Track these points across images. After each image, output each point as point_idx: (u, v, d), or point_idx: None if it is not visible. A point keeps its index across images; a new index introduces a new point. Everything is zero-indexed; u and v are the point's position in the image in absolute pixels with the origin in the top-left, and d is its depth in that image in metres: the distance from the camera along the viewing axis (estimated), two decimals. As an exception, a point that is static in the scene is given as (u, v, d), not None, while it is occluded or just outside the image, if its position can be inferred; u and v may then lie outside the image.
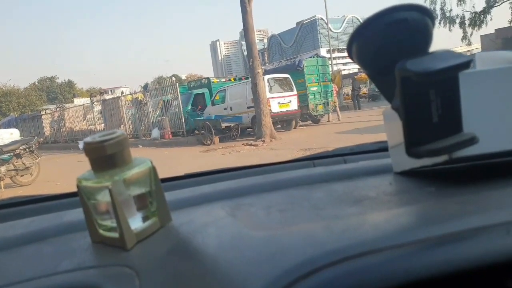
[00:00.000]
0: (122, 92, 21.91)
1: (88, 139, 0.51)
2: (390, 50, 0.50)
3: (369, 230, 0.39)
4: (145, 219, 0.53)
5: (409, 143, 0.50)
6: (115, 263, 0.44)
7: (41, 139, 19.34)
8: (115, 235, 0.49)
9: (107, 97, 20.40)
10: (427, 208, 0.45)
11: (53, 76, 66.33)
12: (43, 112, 24.27)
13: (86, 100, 24.70)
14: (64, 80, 65.84)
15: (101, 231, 0.51)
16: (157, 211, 0.54)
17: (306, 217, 0.48)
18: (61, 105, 25.44)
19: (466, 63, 0.45)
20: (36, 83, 63.15)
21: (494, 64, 0.60)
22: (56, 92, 62.34)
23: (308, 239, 0.38)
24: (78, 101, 31.41)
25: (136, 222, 0.52)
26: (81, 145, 15.95)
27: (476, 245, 0.34)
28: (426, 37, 0.50)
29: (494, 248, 0.34)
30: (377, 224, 0.41)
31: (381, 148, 0.84)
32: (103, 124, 18.24)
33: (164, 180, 0.84)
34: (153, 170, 0.53)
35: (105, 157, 0.49)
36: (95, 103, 19.16)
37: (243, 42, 12.78)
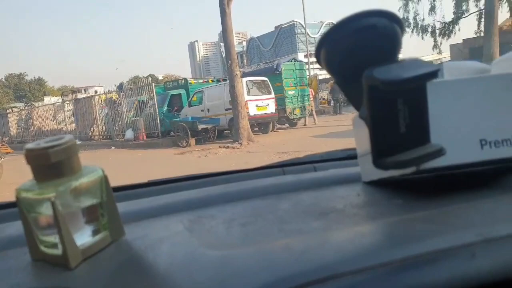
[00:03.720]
0: (96, 92, 21.46)
1: (31, 145, 0.46)
2: (357, 57, 0.48)
3: (330, 251, 0.36)
4: (95, 232, 0.49)
5: (376, 154, 0.48)
6: (55, 284, 0.40)
7: (6, 139, 18.63)
8: (58, 252, 0.44)
9: (80, 96, 19.85)
10: (393, 227, 0.43)
11: (22, 73, 63.89)
12: (9, 111, 23.41)
13: (57, 99, 23.99)
14: (34, 78, 63.58)
15: (42, 248, 0.46)
16: (108, 224, 0.49)
17: (268, 233, 0.45)
18: (29, 104, 24.65)
19: (434, 72, 0.44)
20: (3, 80, 60.71)
21: (461, 74, 0.60)
22: (25, 89, 60.04)
23: (264, 261, 0.35)
24: (48, 99, 30.55)
25: (84, 237, 0.47)
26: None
27: (440, 270, 0.32)
28: (395, 44, 0.49)
29: (458, 273, 0.32)
30: (339, 244, 0.39)
31: (351, 156, 0.83)
32: (74, 124, 17.75)
33: (125, 188, 0.80)
34: (104, 180, 0.49)
35: (50, 165, 0.45)
36: (67, 102, 18.62)
37: (222, 44, 12.79)
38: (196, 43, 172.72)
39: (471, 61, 0.63)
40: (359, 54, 0.48)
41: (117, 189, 0.80)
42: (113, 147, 13.54)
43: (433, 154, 0.46)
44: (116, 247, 0.47)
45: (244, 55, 43.77)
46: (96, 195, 0.48)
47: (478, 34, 17.96)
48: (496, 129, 0.52)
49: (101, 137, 16.14)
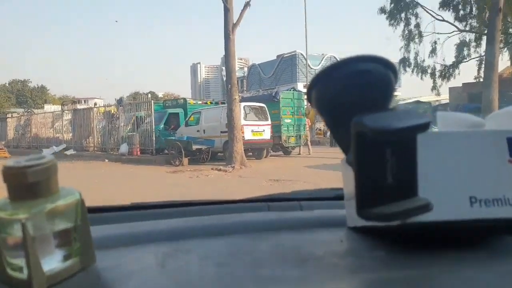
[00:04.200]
0: (95, 104, 21.49)
1: (11, 162, 0.45)
2: (348, 101, 0.47)
3: None
4: (65, 258, 0.47)
5: (360, 204, 0.46)
6: None
7: (3, 142, 18.48)
8: (23, 276, 0.42)
9: (79, 106, 19.88)
10: (369, 286, 0.42)
11: (26, 79, 64.12)
12: (9, 115, 23.34)
13: (57, 107, 23.96)
14: (37, 85, 63.74)
15: (9, 270, 0.44)
16: (80, 250, 0.48)
17: (241, 279, 0.43)
18: (29, 110, 24.64)
19: (425, 125, 0.43)
20: (7, 85, 60.80)
21: (455, 125, 0.59)
22: (27, 96, 60.06)
23: None
24: (49, 107, 30.52)
25: (52, 262, 0.45)
26: (44, 153, 15.37)
27: None
28: (387, 91, 0.48)
29: None
30: None
31: (339, 196, 0.82)
32: (71, 134, 17.68)
33: (107, 209, 0.78)
34: (80, 203, 0.47)
35: (26, 185, 0.43)
36: (66, 111, 18.61)
37: (224, 68, 12.97)
38: (198, 65, 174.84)
39: (466, 114, 0.62)
40: (350, 98, 0.47)
41: (99, 210, 0.78)
42: (106, 160, 13.44)
43: (419, 209, 0.45)
44: (84, 276, 0.45)
45: (245, 80, 44.29)
46: (70, 219, 0.47)
47: (478, 80, 18.33)
48: (488, 187, 0.50)
49: (95, 149, 16.06)
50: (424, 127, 0.43)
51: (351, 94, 0.47)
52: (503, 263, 0.47)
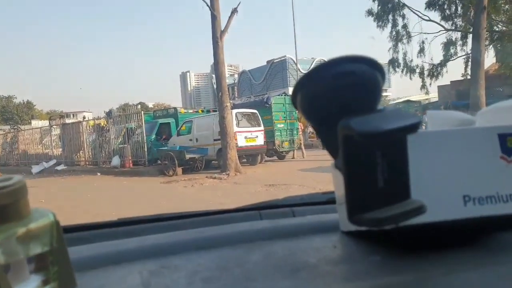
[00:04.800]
0: (84, 117, 21.39)
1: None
2: (334, 104, 0.45)
3: None
4: (43, 283, 0.44)
5: (351, 209, 0.44)
6: None
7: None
8: (-6, 307, 0.39)
9: (68, 121, 19.72)
10: None
11: (11, 95, 63.32)
12: (-6, 133, 23.10)
13: (45, 123, 23.74)
14: (23, 101, 63.11)
15: (-21, 301, 0.41)
16: (57, 275, 0.45)
17: None
18: (16, 126, 24.38)
19: (415, 125, 0.41)
20: (-10, 102, 60.16)
21: (445, 124, 0.57)
22: (13, 112, 59.40)
23: None
24: (36, 123, 30.26)
25: (28, 288, 0.42)
26: (34, 169, 15.07)
27: None
28: (375, 92, 0.46)
29: None
30: None
31: (331, 200, 0.80)
32: (60, 149, 17.51)
33: (92, 227, 0.75)
34: (55, 225, 0.44)
35: (-6, 209, 0.40)
36: (54, 126, 18.44)
37: (214, 75, 13.01)
38: (188, 73, 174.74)
39: (455, 111, 0.61)
40: (336, 101, 0.45)
41: (84, 228, 0.75)
42: (98, 174, 13.33)
43: (413, 212, 0.43)
44: (63, 303, 0.43)
45: (235, 87, 44.38)
46: (45, 242, 0.44)
47: (465, 77, 18.56)
48: (481, 185, 0.49)
49: (87, 162, 15.93)
50: (414, 127, 0.41)
51: (337, 96, 0.45)
52: (501, 262, 0.45)
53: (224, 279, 0.45)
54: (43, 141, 18.92)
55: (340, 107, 0.45)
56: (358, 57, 0.47)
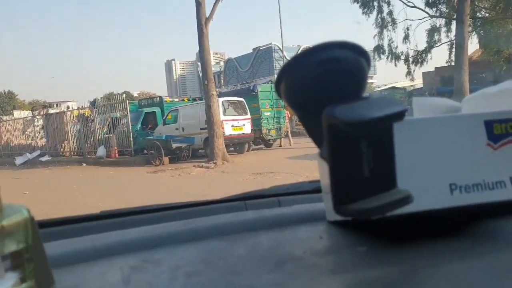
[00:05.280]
0: (68, 107, 20.99)
1: None
2: (318, 92, 0.44)
3: None
4: (19, 281, 0.43)
5: (337, 200, 0.44)
6: None
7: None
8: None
9: (51, 111, 19.32)
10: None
11: (-9, 85, 61.62)
12: (-26, 124, 22.50)
13: (27, 113, 23.21)
14: (4, 91, 61.42)
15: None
16: (34, 272, 0.43)
17: None
18: (-3, 117, 23.79)
19: (401, 113, 0.40)
20: (-31, 93, 58.47)
21: (431, 111, 0.57)
22: (-7, 103, 57.97)
23: None
24: (18, 113, 29.59)
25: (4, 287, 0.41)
26: (18, 161, 14.81)
27: None
28: (360, 79, 0.45)
29: None
30: None
31: (318, 189, 0.79)
32: (44, 140, 17.18)
33: (74, 220, 0.73)
34: (30, 221, 0.42)
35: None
36: (37, 117, 18.06)
37: (199, 63, 12.87)
38: (173, 62, 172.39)
39: (442, 98, 0.60)
40: (320, 88, 0.44)
41: (65, 222, 0.73)
42: (84, 164, 13.16)
43: (399, 201, 0.42)
44: (40, 301, 0.41)
45: (222, 75, 44.02)
46: (20, 239, 0.42)
47: (449, 63, 18.71)
48: (467, 173, 0.49)
49: (72, 153, 15.69)
50: (400, 115, 0.40)
51: (321, 83, 0.44)
52: (488, 251, 0.45)
53: (208, 273, 0.44)
54: (26, 132, 18.54)
55: (324, 94, 0.43)
56: (342, 42, 0.45)
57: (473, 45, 20.33)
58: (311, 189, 0.81)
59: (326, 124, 0.42)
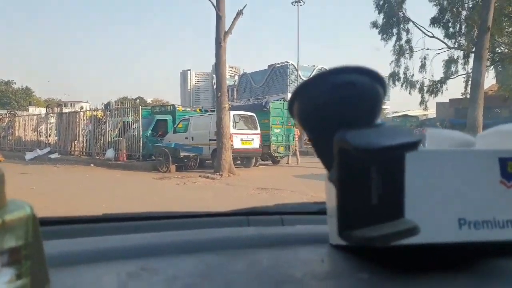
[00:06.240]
0: (82, 107, 21.27)
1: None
2: (331, 115, 0.43)
3: None
4: (16, 278, 0.42)
5: (342, 225, 0.43)
6: None
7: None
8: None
9: (65, 110, 19.61)
10: None
11: (10, 80, 62.98)
12: (-10, 116, 22.93)
13: (42, 110, 23.58)
14: (22, 86, 62.73)
15: None
16: (30, 270, 0.43)
17: None
18: (12, 112, 24.18)
19: (413, 143, 0.39)
20: (-12, 86, 59.77)
21: (444, 144, 0.56)
22: (10, 97, 58.98)
23: None
24: (33, 110, 30.08)
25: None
26: (28, 156, 14.95)
27: None
28: (374, 105, 0.45)
29: None
30: None
31: (322, 211, 0.78)
32: (55, 138, 17.40)
33: (76, 221, 0.73)
34: (32, 219, 0.42)
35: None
36: (51, 114, 18.33)
37: (214, 76, 12.98)
38: (189, 72, 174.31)
39: (455, 131, 0.59)
40: (333, 112, 0.43)
41: (67, 221, 0.73)
42: (92, 165, 13.25)
43: (405, 232, 0.42)
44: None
45: (235, 89, 44.36)
46: (20, 235, 0.42)
47: (464, 96, 18.60)
48: (477, 209, 0.48)
49: (81, 153, 15.84)
50: (413, 146, 0.40)
51: (334, 107, 0.44)
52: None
53: (204, 287, 0.43)
54: (39, 128, 18.80)
55: (337, 118, 0.43)
56: (359, 68, 0.45)
57: (489, 80, 20.24)
58: (316, 210, 0.80)
59: (337, 148, 0.41)
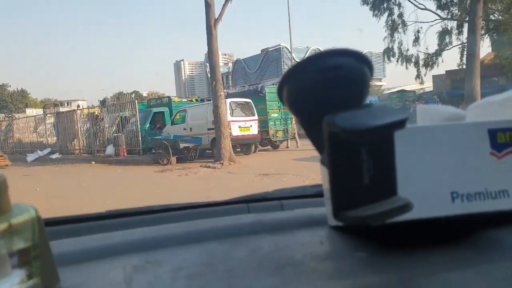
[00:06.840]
0: (79, 106, 21.21)
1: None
2: (320, 99, 0.44)
3: None
4: (26, 278, 0.44)
5: (336, 206, 0.44)
6: None
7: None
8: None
9: (62, 109, 19.57)
10: None
11: (4, 83, 62.54)
12: (-12, 121, 22.88)
13: (39, 111, 23.52)
14: (17, 89, 62.34)
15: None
16: (40, 270, 0.44)
17: None
18: (10, 115, 24.13)
19: (401, 121, 0.40)
20: (-16, 90, 59.49)
21: (434, 119, 0.57)
22: (7, 100, 58.73)
23: None
24: (30, 111, 30.00)
25: (10, 284, 0.42)
26: (29, 158, 14.94)
27: None
28: (362, 87, 0.45)
29: None
30: None
31: (320, 193, 0.80)
32: (55, 138, 17.40)
33: (80, 219, 0.75)
34: (37, 220, 0.44)
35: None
36: (48, 115, 18.29)
37: (208, 64, 12.89)
38: (182, 62, 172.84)
39: (446, 106, 0.60)
40: (321, 96, 0.44)
41: (71, 221, 0.75)
42: (93, 162, 13.29)
43: (398, 209, 0.43)
44: (46, 298, 0.42)
45: (230, 76, 44.07)
46: (27, 237, 0.43)
47: (460, 67, 18.47)
48: (469, 181, 0.49)
49: (81, 151, 15.86)
50: (401, 124, 0.41)
51: (322, 91, 0.44)
52: (487, 261, 0.45)
53: (208, 275, 0.44)
54: (38, 130, 18.80)
55: (326, 102, 0.44)
56: (345, 50, 0.45)
57: (485, 48, 20.09)
58: (314, 193, 0.82)
59: (327, 132, 0.42)
